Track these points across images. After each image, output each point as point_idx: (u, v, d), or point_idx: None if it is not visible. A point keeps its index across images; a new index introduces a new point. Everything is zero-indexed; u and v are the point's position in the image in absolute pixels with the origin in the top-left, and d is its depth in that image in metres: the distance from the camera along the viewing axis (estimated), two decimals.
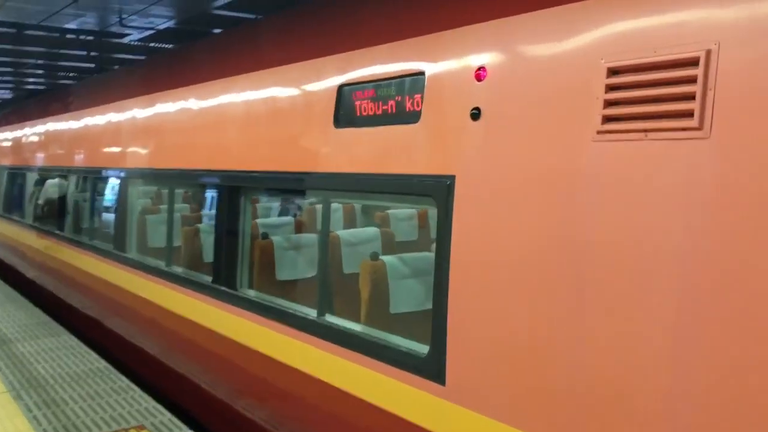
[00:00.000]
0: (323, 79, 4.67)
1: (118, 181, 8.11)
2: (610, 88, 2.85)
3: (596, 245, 2.83)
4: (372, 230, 6.29)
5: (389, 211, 7.07)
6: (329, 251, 5.03)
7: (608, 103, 2.86)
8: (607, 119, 2.86)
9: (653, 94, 2.70)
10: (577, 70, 2.98)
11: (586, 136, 2.92)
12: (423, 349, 3.73)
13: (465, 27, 3.58)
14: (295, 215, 7.62)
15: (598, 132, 2.87)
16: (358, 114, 4.37)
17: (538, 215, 3.09)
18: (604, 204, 2.82)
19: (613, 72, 2.85)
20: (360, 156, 4.28)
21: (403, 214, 7.11)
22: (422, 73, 3.83)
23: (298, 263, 5.91)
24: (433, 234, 3.80)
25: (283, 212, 7.59)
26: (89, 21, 10.73)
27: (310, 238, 6.26)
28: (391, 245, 6.13)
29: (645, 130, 2.70)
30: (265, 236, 5.88)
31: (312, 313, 4.70)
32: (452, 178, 3.55)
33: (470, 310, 3.39)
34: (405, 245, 6.51)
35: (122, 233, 7.83)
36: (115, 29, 11.13)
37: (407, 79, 3.97)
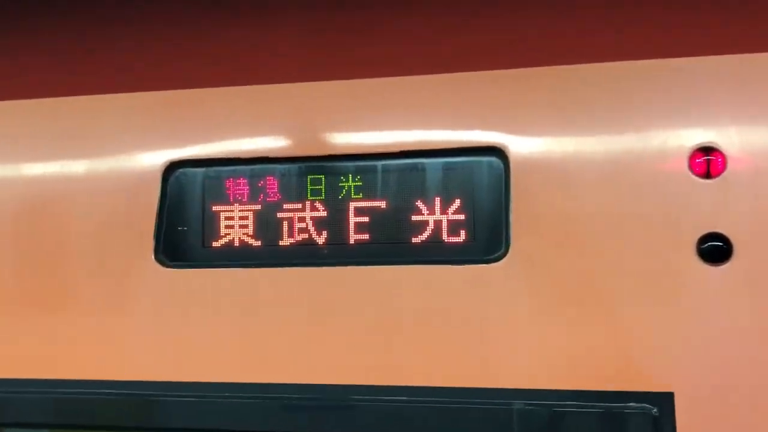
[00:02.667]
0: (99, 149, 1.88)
1: None
2: None
3: None
4: None
5: None
6: None
7: None
8: None
9: None
10: None
11: None
12: None
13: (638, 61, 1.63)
14: None
15: None
16: (221, 234, 1.80)
17: None
18: None
19: None
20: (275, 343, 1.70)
21: None
22: (495, 150, 1.67)
23: None
24: None
25: None
26: None
27: None
28: None
29: None
30: None
31: None
32: (665, 399, 1.46)
33: None
34: None
35: None
36: None
37: (431, 161, 1.71)
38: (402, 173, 1.74)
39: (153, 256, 1.77)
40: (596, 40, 1.65)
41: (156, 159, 1.83)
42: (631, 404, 1.47)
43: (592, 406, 1.49)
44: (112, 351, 1.76)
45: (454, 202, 1.70)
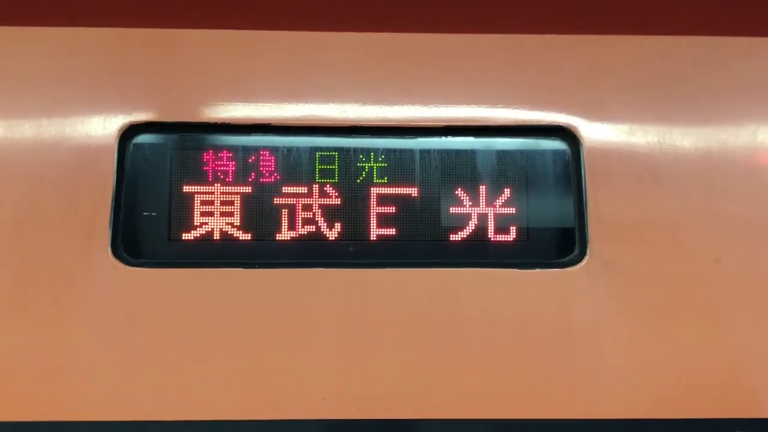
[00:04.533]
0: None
1: None
2: None
3: None
4: None
5: None
6: None
7: None
8: None
9: None
10: None
11: None
12: None
13: None
14: None
15: None
16: (196, 223, 1.37)
17: None
18: None
19: None
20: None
21: None
22: (561, 131, 1.37)
23: None
24: None
25: None
26: None
27: None
28: None
29: None
30: None
31: None
32: None
33: None
34: None
35: None
36: None
37: (480, 141, 1.39)
38: (442, 154, 1.40)
39: (110, 251, 1.29)
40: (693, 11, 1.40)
41: (110, 120, 1.35)
42: None
43: None
44: (52, 382, 1.27)
45: (504, 192, 1.39)
